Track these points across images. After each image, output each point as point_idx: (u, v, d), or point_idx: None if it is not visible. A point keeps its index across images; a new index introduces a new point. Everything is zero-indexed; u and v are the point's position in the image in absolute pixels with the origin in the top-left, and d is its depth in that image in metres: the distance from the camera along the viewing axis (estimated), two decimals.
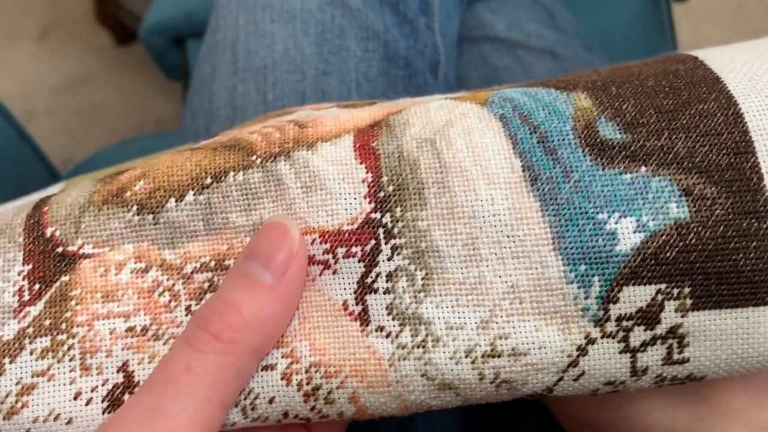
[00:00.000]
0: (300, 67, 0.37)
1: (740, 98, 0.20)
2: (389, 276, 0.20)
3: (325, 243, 0.20)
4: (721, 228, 0.18)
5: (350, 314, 0.20)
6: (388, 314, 0.20)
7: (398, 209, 0.20)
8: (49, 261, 0.21)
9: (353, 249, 0.20)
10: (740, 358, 0.19)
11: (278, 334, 0.20)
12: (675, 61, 0.22)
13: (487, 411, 0.37)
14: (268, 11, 0.38)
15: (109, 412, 0.20)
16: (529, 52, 0.48)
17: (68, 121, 1.11)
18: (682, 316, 0.19)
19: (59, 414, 0.20)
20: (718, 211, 0.19)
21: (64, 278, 0.21)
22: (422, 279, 0.20)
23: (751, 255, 0.18)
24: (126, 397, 0.20)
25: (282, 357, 0.20)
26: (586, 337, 0.19)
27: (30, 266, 0.21)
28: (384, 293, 0.20)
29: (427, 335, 0.20)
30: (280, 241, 0.20)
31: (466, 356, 0.20)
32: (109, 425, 0.19)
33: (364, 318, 0.20)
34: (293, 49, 0.37)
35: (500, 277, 0.20)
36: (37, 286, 0.21)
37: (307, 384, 0.20)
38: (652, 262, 0.19)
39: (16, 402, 0.20)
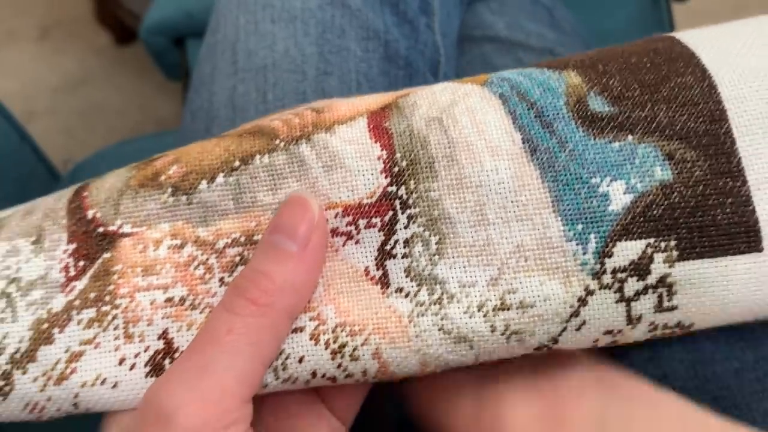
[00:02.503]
0: (300, 67, 0.37)
1: (713, 71, 0.22)
2: (406, 242, 0.22)
3: (348, 216, 0.22)
4: (701, 187, 0.21)
5: (371, 279, 0.22)
6: (406, 276, 0.22)
7: (412, 182, 0.22)
8: (92, 240, 0.23)
9: (374, 220, 0.22)
10: (722, 304, 0.21)
11: (308, 296, 0.22)
12: (654, 40, 0.24)
13: None
14: (269, 11, 0.38)
15: (151, 376, 0.22)
16: (529, 51, 0.48)
17: (68, 121, 1.12)
18: (670, 267, 0.21)
19: (105, 378, 0.22)
20: (697, 173, 0.21)
21: (106, 255, 0.22)
22: (436, 243, 0.22)
23: (728, 210, 0.20)
24: (167, 362, 0.22)
25: (310, 320, 0.22)
26: (585, 289, 0.21)
27: (74, 245, 0.23)
28: (402, 258, 0.22)
29: (442, 293, 0.22)
30: (302, 214, 0.21)
31: (479, 310, 0.21)
32: (160, 384, 0.20)
33: (384, 281, 0.22)
34: (294, 49, 0.37)
35: (506, 238, 0.21)
36: (81, 263, 0.22)
37: (334, 342, 0.22)
38: (641, 219, 0.21)
39: (66, 368, 0.22)
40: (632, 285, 0.21)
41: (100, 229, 0.23)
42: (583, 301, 0.21)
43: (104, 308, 0.22)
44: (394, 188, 0.22)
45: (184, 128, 0.41)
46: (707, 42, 0.23)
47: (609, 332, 0.22)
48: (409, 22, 0.40)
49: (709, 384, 0.29)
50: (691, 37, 0.24)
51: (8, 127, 0.53)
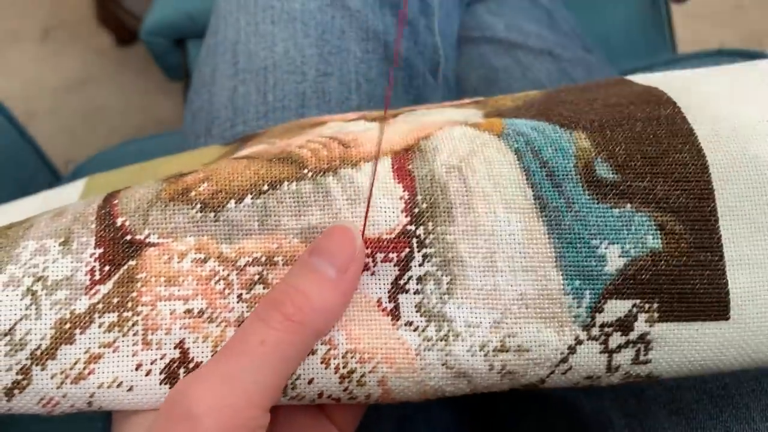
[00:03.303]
0: (300, 68, 0.37)
1: (707, 152, 0.24)
2: (419, 279, 0.23)
3: (367, 248, 0.23)
4: (684, 258, 0.23)
5: (383, 310, 0.23)
6: (417, 311, 0.23)
7: (430, 224, 0.23)
8: (119, 247, 0.23)
9: (390, 255, 0.23)
10: (689, 362, 0.24)
11: (335, 322, 0.22)
12: (657, 104, 0.25)
13: (485, 413, 0.38)
14: (269, 12, 0.39)
15: (165, 384, 0.23)
16: (528, 52, 0.48)
17: (69, 121, 1.12)
18: (650, 326, 0.23)
19: (122, 382, 0.22)
20: (683, 244, 0.23)
21: (132, 262, 0.23)
22: (447, 284, 0.23)
23: (705, 281, 0.23)
24: (181, 371, 0.23)
25: (322, 344, 0.23)
26: (575, 339, 0.23)
27: (101, 250, 0.23)
28: (414, 293, 0.23)
29: (449, 331, 0.23)
30: (346, 243, 0.22)
31: (480, 350, 0.23)
32: (190, 385, 0.20)
33: (395, 314, 0.23)
34: (294, 50, 0.37)
35: (512, 286, 0.23)
36: (107, 268, 0.23)
37: (344, 368, 0.23)
38: (631, 281, 0.23)
39: (84, 369, 0.22)
40: (616, 339, 0.23)
41: (128, 237, 0.23)
42: (572, 350, 0.23)
43: (126, 314, 0.23)
44: (413, 227, 0.23)
45: (185, 129, 0.41)
46: (704, 117, 0.25)
47: (589, 377, 0.24)
48: (409, 23, 0.40)
49: (708, 384, 0.29)
50: (692, 105, 0.25)
51: (10, 127, 0.53)
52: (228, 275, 0.23)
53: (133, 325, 0.22)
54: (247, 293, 0.23)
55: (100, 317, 0.22)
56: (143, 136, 0.64)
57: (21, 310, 0.22)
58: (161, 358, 0.22)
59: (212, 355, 0.22)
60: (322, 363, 0.22)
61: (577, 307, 0.23)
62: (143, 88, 1.15)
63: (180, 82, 0.80)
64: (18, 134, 0.54)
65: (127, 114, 1.13)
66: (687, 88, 0.26)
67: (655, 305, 0.23)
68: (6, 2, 1.25)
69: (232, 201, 0.23)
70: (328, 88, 0.37)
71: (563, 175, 0.24)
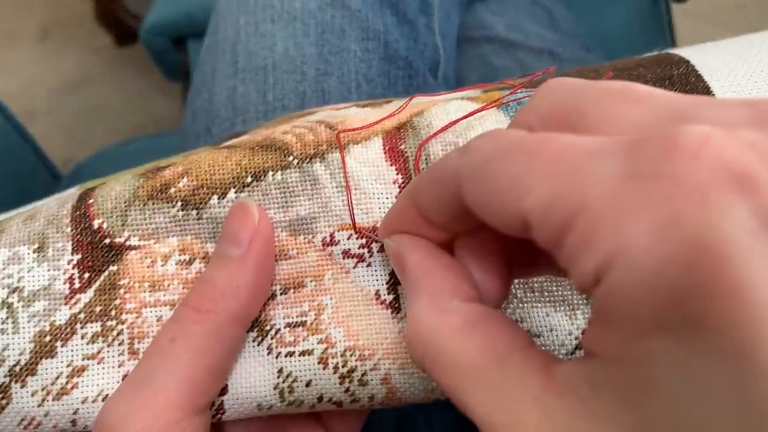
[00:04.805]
0: (300, 68, 0.37)
1: None
2: None
3: (362, 238, 0.22)
4: None
5: (382, 303, 0.22)
6: None
7: None
8: (98, 251, 0.22)
9: None
10: None
11: (256, 300, 0.21)
12: (669, 63, 0.24)
13: None
14: (269, 12, 0.38)
15: None
16: (529, 52, 0.48)
17: (68, 121, 1.12)
18: None
19: (108, 395, 0.21)
20: None
21: (113, 268, 0.22)
22: None
23: None
24: None
25: (318, 343, 0.21)
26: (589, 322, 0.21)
27: (79, 256, 0.22)
28: None
29: None
30: (243, 220, 0.21)
31: None
32: (107, 402, 0.20)
33: (395, 306, 0.22)
34: (293, 50, 0.37)
35: None
36: (86, 275, 0.22)
37: (343, 366, 0.21)
38: None
39: (67, 383, 0.21)
40: None
41: (107, 241, 0.22)
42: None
43: (110, 323, 0.21)
44: None
45: (185, 128, 0.41)
46: (721, 72, 0.23)
47: None
48: (409, 22, 0.40)
49: None
50: (705, 63, 0.23)
51: (9, 127, 0.53)
52: None
53: (118, 334, 0.21)
54: None
55: (82, 328, 0.21)
56: (142, 135, 0.64)
57: None
58: None
59: None
60: (319, 363, 0.21)
61: None
62: (142, 87, 1.15)
63: (179, 82, 0.80)
64: (17, 134, 0.53)
65: (126, 113, 1.13)
66: (701, 49, 0.25)
67: None
68: (4, 2, 1.25)
69: (215, 197, 0.22)
70: (327, 87, 0.37)
71: None
